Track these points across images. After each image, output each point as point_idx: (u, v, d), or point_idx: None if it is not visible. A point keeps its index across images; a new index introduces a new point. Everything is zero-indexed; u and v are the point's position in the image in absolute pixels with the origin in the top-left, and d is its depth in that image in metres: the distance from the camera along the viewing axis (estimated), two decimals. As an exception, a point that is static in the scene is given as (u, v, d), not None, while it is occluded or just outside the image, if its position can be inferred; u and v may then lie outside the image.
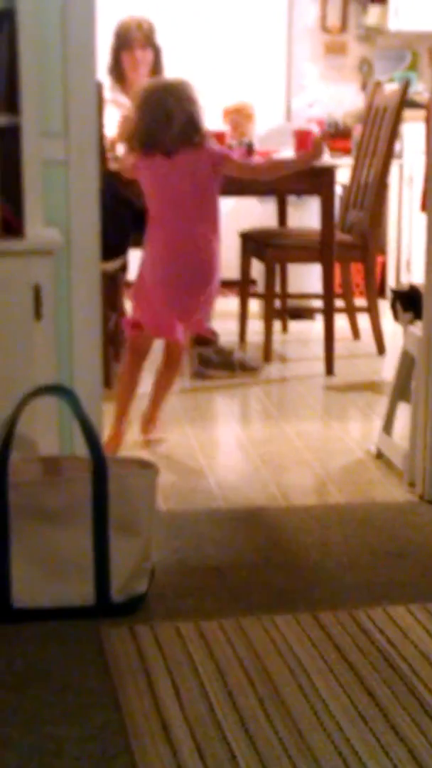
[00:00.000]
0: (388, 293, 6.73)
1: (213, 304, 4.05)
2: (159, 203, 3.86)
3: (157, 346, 4.12)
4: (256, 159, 5.20)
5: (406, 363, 3.77)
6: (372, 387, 4.85)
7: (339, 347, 5.15)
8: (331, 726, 2.18)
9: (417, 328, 3.64)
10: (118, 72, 5.45)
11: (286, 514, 3.35)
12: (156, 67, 5.47)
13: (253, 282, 6.01)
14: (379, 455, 3.84)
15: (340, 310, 5.47)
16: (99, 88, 3.81)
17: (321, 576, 2.89)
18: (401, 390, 3.81)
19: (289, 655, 2.46)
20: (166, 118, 3.74)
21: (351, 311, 5.66)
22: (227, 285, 6.49)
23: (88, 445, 2.63)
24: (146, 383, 4.53)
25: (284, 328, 5.88)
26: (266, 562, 2.97)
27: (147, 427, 4.07)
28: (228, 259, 6.37)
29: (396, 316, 3.77)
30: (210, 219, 3.89)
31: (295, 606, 2.70)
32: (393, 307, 3.77)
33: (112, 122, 5.36)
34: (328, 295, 5.07)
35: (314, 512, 3.36)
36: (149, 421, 4.09)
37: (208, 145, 3.86)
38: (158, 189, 3.85)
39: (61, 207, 3.10)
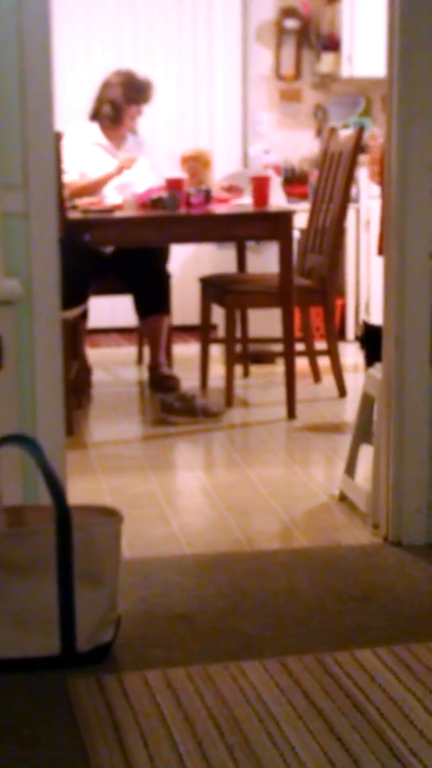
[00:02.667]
0: (349, 335, 6.79)
1: None
2: None
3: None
4: (215, 205, 5.25)
5: (367, 405, 3.80)
6: (334, 429, 4.87)
7: (300, 390, 5.18)
8: (302, 773, 2.17)
9: (376, 370, 3.67)
10: (116, 118, 5.54)
11: (251, 559, 3.35)
12: None
13: (214, 327, 6.04)
14: (343, 498, 3.86)
15: (301, 354, 5.50)
16: (57, 138, 3.86)
17: (288, 621, 2.89)
18: (363, 432, 3.83)
19: (258, 703, 2.45)
20: None
21: (311, 354, 5.69)
22: (188, 330, 6.55)
23: (52, 495, 2.62)
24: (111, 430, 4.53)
25: (246, 373, 5.90)
26: (233, 608, 2.97)
27: None
28: (188, 305, 6.44)
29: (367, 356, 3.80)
30: None
31: (263, 652, 2.70)
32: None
33: (103, 166, 5.46)
34: (288, 339, 5.10)
35: (280, 557, 3.36)
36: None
37: None
38: None
39: (21, 258, 3.11)
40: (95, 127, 5.63)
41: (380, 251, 3.76)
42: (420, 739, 2.29)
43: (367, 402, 3.80)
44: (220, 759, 2.22)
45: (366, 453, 3.80)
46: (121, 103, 5.56)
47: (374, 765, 2.20)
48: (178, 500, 3.93)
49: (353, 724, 2.36)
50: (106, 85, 5.61)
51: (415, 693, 2.48)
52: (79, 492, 3.73)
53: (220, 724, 2.36)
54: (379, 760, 2.22)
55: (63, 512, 2.60)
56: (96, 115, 5.63)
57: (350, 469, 3.86)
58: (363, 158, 6.32)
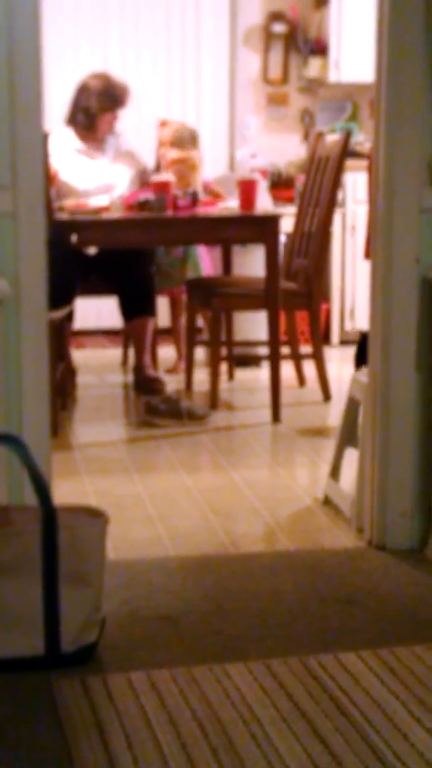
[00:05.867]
0: (334, 339, 6.81)
1: None
2: None
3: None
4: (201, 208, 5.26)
5: (353, 409, 3.81)
6: (318, 433, 4.88)
7: (285, 394, 5.19)
8: (286, 775, 2.17)
9: (362, 374, 3.68)
10: (91, 126, 5.53)
11: (236, 562, 3.35)
12: None
13: (199, 330, 6.04)
14: (327, 502, 3.86)
15: (285, 357, 5.51)
16: (44, 139, 3.85)
17: (272, 624, 2.89)
18: (348, 436, 3.84)
19: (242, 705, 2.45)
20: None
21: (296, 358, 5.70)
22: (164, 332, 6.54)
23: (38, 495, 2.62)
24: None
25: (230, 376, 5.91)
26: (217, 610, 2.97)
27: None
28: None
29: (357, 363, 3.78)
30: None
31: (247, 654, 2.70)
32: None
33: (84, 171, 5.46)
34: (273, 342, 5.11)
35: (264, 560, 3.36)
36: None
37: None
38: None
39: (8, 258, 3.11)
40: (70, 133, 5.61)
41: (367, 255, 3.77)
42: (404, 742, 2.29)
43: (352, 406, 3.81)
44: (204, 760, 2.22)
45: (350, 457, 3.81)
46: (95, 111, 5.54)
47: (357, 767, 2.20)
48: (163, 503, 3.93)
49: (337, 726, 2.36)
50: (81, 90, 5.58)
51: (399, 696, 2.48)
52: (63, 494, 3.72)
53: (204, 726, 2.36)
54: (363, 762, 2.22)
55: (49, 512, 2.60)
56: (71, 120, 5.62)
57: (335, 472, 3.87)
58: (350, 163, 6.32)
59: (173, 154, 5.67)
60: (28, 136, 3.09)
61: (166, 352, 6.24)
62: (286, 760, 2.22)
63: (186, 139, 5.79)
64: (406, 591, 3.10)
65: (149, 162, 5.83)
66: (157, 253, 5.95)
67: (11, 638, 2.59)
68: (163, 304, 6.19)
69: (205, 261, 6.14)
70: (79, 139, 5.61)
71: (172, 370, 5.98)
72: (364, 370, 3.66)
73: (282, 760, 2.22)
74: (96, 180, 5.54)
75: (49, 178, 4.60)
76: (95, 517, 2.74)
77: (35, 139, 3.12)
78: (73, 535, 2.62)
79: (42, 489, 2.62)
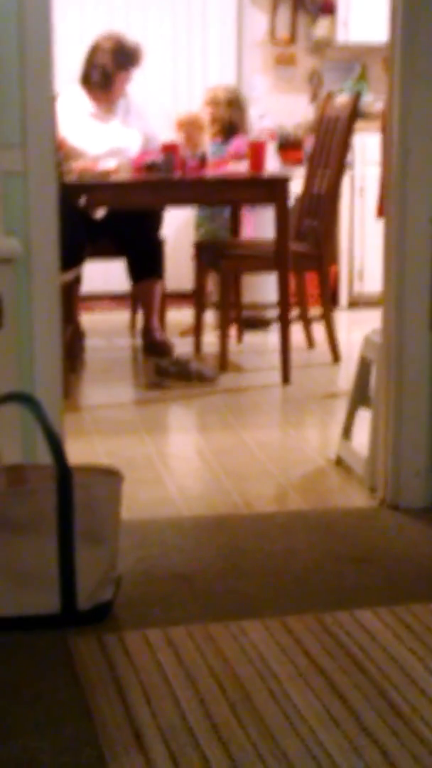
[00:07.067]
0: (342, 301, 6.78)
1: None
2: None
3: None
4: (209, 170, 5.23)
5: (365, 369, 3.79)
6: (329, 395, 4.86)
7: (294, 356, 5.17)
8: (304, 730, 2.18)
9: (375, 334, 3.66)
10: (107, 84, 5.48)
11: (250, 521, 3.35)
12: None
13: (208, 293, 6.02)
14: (339, 462, 3.86)
15: (295, 320, 5.48)
16: (53, 99, 3.82)
17: (287, 582, 2.89)
18: (360, 396, 3.83)
19: (259, 661, 2.45)
20: None
21: (306, 320, 5.68)
22: (182, 297, 6.52)
23: (52, 454, 2.61)
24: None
25: (239, 339, 5.89)
26: (232, 569, 2.97)
27: None
28: (182, 271, 6.41)
29: None
30: None
31: (263, 612, 2.70)
32: None
33: (95, 136, 5.41)
34: (283, 304, 5.09)
35: (278, 519, 3.36)
36: None
37: None
38: None
39: (20, 217, 3.09)
40: (83, 94, 5.57)
41: (380, 213, 3.74)
42: (421, 698, 2.30)
43: (364, 366, 3.79)
44: (222, 716, 2.23)
45: (362, 417, 3.80)
46: (111, 69, 5.49)
47: (376, 722, 2.20)
48: (175, 463, 3.93)
49: (355, 682, 2.36)
50: (95, 50, 5.54)
51: (416, 652, 2.48)
52: (74, 454, 3.65)
53: (221, 682, 2.36)
54: (381, 717, 2.22)
55: (64, 471, 2.59)
56: (86, 80, 5.57)
57: (347, 432, 3.86)
58: (359, 124, 6.27)
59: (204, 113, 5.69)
60: (37, 95, 3.07)
61: (182, 316, 6.20)
62: (304, 714, 2.23)
63: (220, 99, 5.81)
64: (421, 549, 3.09)
65: (156, 125, 5.79)
66: (202, 218, 5.95)
67: (27, 596, 2.59)
68: (184, 267, 6.14)
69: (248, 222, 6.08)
70: (92, 100, 5.56)
71: (185, 333, 5.93)
72: (376, 330, 3.64)
73: (300, 714, 2.23)
74: (107, 144, 5.50)
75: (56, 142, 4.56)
76: (109, 475, 2.73)
77: (45, 98, 3.10)
78: (88, 493, 2.62)
79: (56, 447, 2.61)
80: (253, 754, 2.09)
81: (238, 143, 5.81)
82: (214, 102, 5.86)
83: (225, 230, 6.00)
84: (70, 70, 5.56)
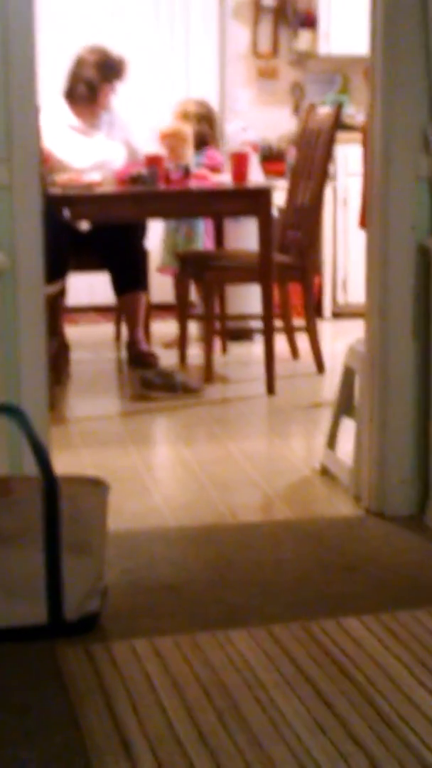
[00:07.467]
0: (325, 312, 6.81)
1: None
2: None
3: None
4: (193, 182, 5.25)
5: (349, 378, 3.81)
6: (313, 405, 4.88)
7: (279, 367, 5.18)
8: (291, 737, 2.19)
9: (358, 344, 3.69)
10: (92, 97, 5.49)
11: (236, 531, 3.36)
12: None
13: (191, 305, 6.04)
14: (324, 471, 3.87)
15: (278, 331, 5.50)
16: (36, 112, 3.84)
17: (274, 591, 2.90)
18: (344, 405, 3.85)
19: (246, 670, 2.46)
20: None
21: (290, 331, 5.70)
22: (166, 308, 6.54)
23: (39, 465, 2.62)
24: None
25: (224, 350, 5.90)
26: (219, 579, 2.98)
27: None
28: (166, 283, 6.42)
29: None
30: None
31: (250, 621, 2.71)
32: None
33: (79, 149, 5.42)
34: (267, 315, 5.11)
35: (264, 529, 3.37)
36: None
37: None
38: None
39: (5, 230, 3.10)
40: (65, 107, 5.58)
41: (362, 224, 3.77)
42: (407, 705, 2.31)
43: (348, 375, 3.82)
44: (209, 724, 2.24)
45: (347, 427, 3.82)
46: (96, 83, 5.51)
47: (363, 729, 2.22)
48: (161, 474, 3.94)
49: (341, 689, 2.38)
50: (79, 63, 5.56)
51: (402, 659, 2.50)
52: (61, 466, 3.66)
53: (208, 690, 2.37)
54: (368, 724, 2.24)
55: (50, 481, 2.60)
56: (70, 94, 5.58)
57: (331, 442, 3.88)
58: (341, 136, 6.30)
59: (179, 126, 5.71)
60: (22, 108, 3.09)
61: (167, 328, 6.21)
62: (291, 722, 2.24)
63: (190, 114, 5.82)
64: (407, 557, 3.11)
65: (140, 137, 5.81)
66: (168, 232, 5.96)
67: (14, 607, 2.60)
68: (168, 278, 6.16)
69: (209, 235, 6.11)
70: (74, 114, 5.57)
71: (170, 345, 5.95)
72: (360, 339, 3.66)
73: (287, 722, 2.24)
74: (93, 157, 5.52)
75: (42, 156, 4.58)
76: (96, 486, 2.74)
77: (30, 112, 3.12)
78: (75, 504, 2.63)
79: (43, 458, 2.62)
80: (240, 761, 2.10)
81: (211, 154, 5.84)
82: (184, 116, 5.87)
83: (189, 240, 6.02)
84: (51, 83, 5.58)
